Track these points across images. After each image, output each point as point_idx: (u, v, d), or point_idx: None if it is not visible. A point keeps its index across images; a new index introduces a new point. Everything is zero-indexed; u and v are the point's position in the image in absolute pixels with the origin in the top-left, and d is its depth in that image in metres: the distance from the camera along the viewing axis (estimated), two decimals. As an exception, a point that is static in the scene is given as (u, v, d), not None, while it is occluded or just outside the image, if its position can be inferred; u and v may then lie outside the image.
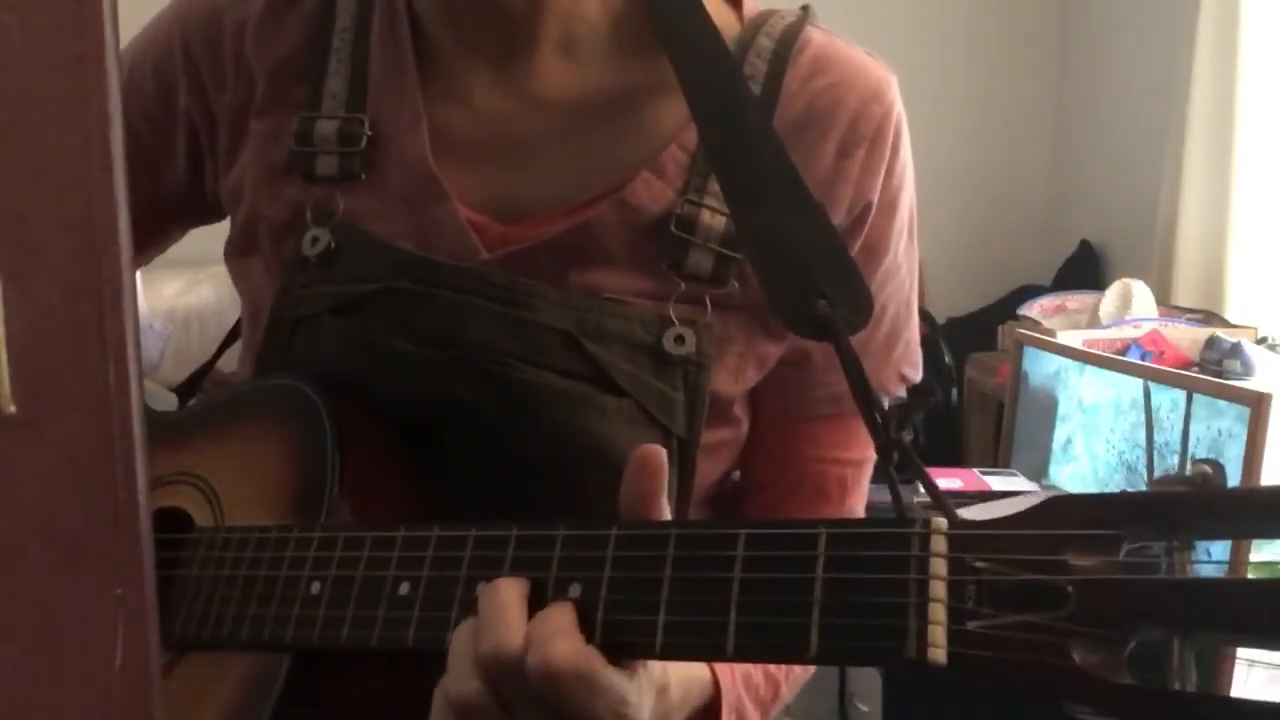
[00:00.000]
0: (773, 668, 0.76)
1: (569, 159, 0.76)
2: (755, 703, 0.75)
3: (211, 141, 0.82)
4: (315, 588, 0.63)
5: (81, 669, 0.32)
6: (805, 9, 0.80)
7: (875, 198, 0.76)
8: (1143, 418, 1.89)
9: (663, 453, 0.59)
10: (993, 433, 2.86)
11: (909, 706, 1.92)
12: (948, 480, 2.14)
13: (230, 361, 0.94)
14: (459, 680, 0.56)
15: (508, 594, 0.56)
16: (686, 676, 0.65)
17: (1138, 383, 1.92)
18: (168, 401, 0.91)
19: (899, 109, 0.77)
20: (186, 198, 0.86)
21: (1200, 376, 2.01)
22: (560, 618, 0.55)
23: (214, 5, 0.81)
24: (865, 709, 2.20)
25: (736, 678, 0.72)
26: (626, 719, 0.55)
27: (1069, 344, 2.28)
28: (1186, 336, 2.44)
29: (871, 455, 0.83)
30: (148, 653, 0.32)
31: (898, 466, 0.63)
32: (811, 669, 0.84)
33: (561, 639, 0.54)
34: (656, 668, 0.60)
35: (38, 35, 0.31)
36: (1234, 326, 2.57)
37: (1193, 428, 1.76)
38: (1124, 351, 2.38)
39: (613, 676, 0.54)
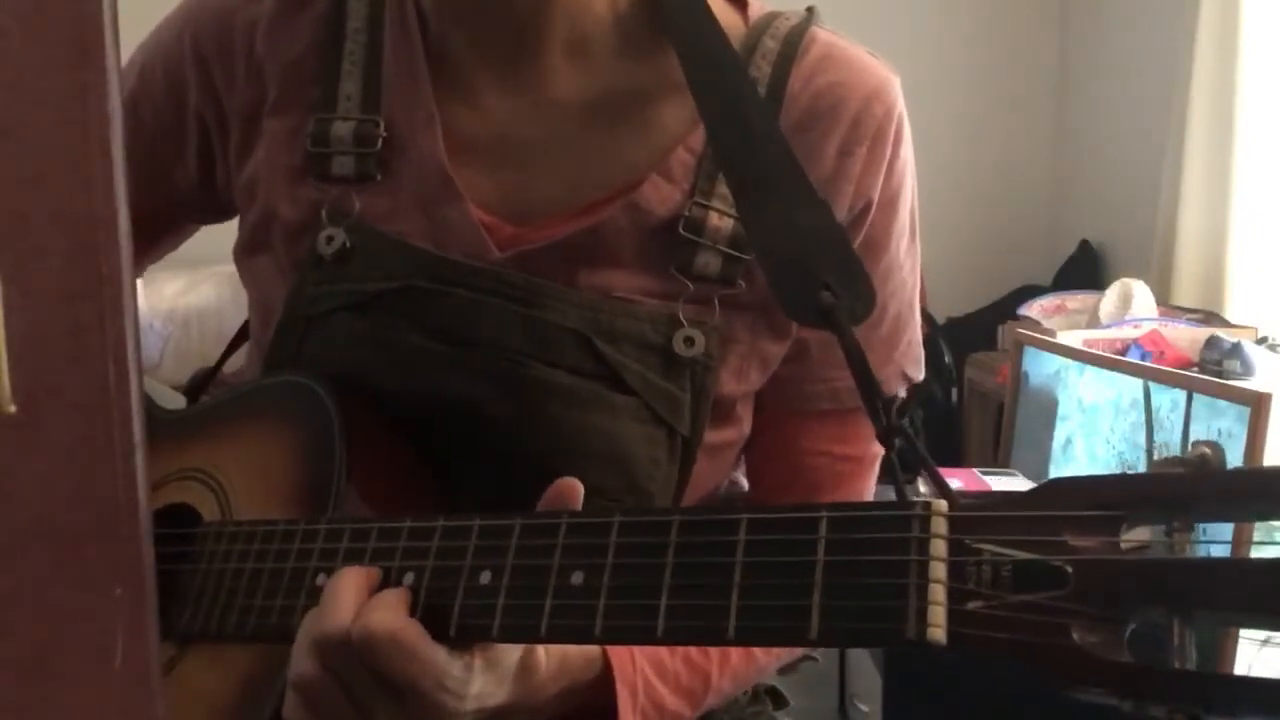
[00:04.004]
0: (698, 656, 0.76)
1: (578, 160, 0.77)
2: (676, 691, 0.74)
3: (223, 140, 0.82)
4: (321, 579, 0.63)
5: (81, 669, 0.32)
6: (810, 10, 0.80)
7: (876, 196, 0.77)
8: (1143, 418, 1.88)
9: (579, 490, 0.61)
10: (993, 433, 2.86)
11: (909, 707, 1.92)
12: (948, 481, 2.13)
13: (233, 363, 0.94)
14: (298, 661, 0.60)
15: (344, 580, 0.60)
16: (562, 649, 0.66)
17: (1138, 383, 1.91)
18: (177, 402, 0.91)
19: (901, 108, 0.78)
20: (198, 196, 0.86)
21: (1200, 376, 2.00)
22: (388, 596, 0.59)
23: (224, 5, 0.81)
24: (865, 709, 2.20)
25: (641, 658, 0.72)
26: (449, 691, 0.58)
27: (1069, 344, 2.27)
28: (1186, 336, 2.43)
29: (872, 452, 0.83)
30: (148, 653, 0.32)
31: (899, 454, 0.63)
32: (765, 666, 0.84)
33: (381, 610, 0.57)
34: (513, 651, 0.62)
35: (38, 36, 0.31)
36: (1234, 326, 2.57)
37: (1193, 428, 1.76)
38: (1124, 351, 2.37)
39: (433, 651, 0.57)
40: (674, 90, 0.75)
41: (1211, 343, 2.31)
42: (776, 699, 0.92)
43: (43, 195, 0.31)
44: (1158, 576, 0.45)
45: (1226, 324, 2.62)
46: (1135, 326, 2.52)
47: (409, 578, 0.60)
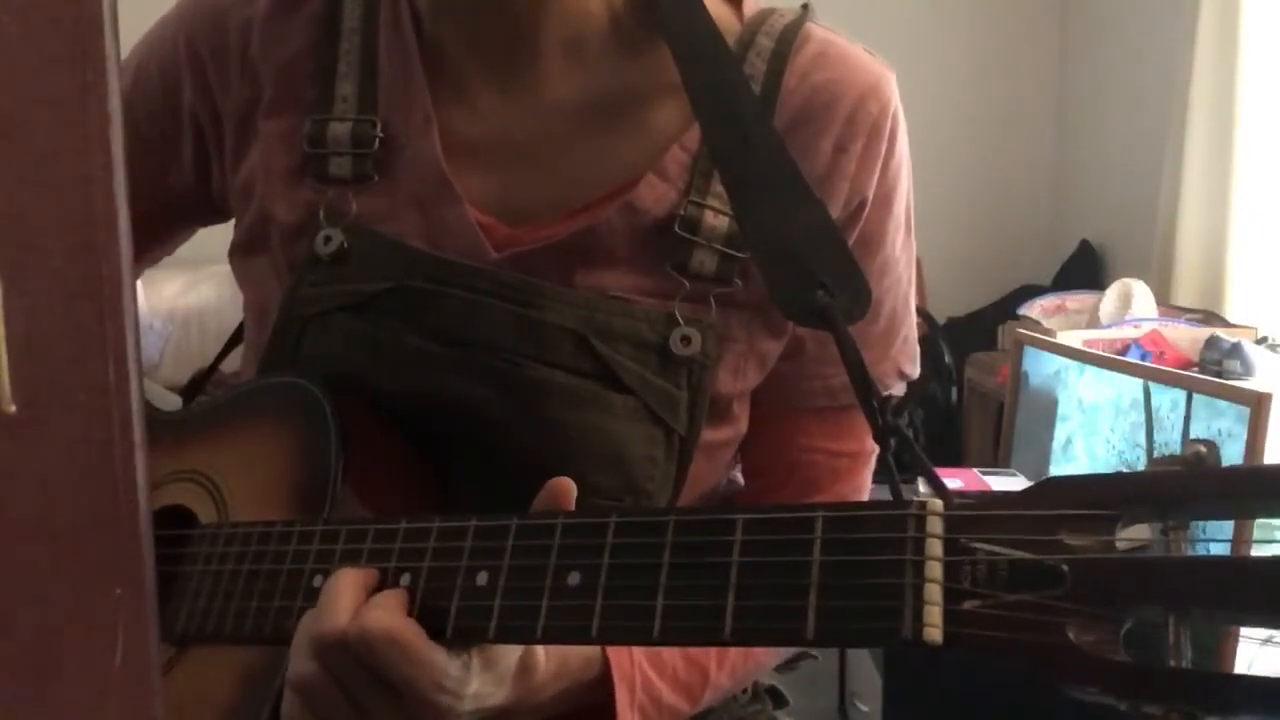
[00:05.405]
0: (696, 652, 0.76)
1: (573, 161, 0.77)
2: (674, 686, 0.74)
3: (218, 141, 0.82)
4: (318, 580, 0.63)
5: (81, 669, 0.32)
6: (805, 7, 0.80)
7: (871, 193, 0.77)
8: (1143, 418, 1.89)
9: (572, 490, 0.61)
10: (993, 433, 2.86)
11: (909, 707, 1.92)
12: (948, 481, 2.13)
13: (231, 362, 0.94)
14: (296, 662, 0.60)
15: (341, 581, 0.60)
16: (562, 650, 0.66)
17: (1138, 383, 1.91)
18: (172, 403, 0.91)
19: (896, 105, 0.78)
20: (194, 198, 0.86)
21: (1200, 376, 2.00)
22: (387, 597, 0.59)
23: (218, 5, 0.81)
24: (865, 709, 2.20)
25: (639, 655, 0.72)
26: (447, 691, 0.59)
27: (1069, 344, 2.27)
28: (1186, 336, 2.43)
29: (867, 449, 0.83)
30: (148, 652, 0.32)
31: (895, 453, 0.64)
32: (764, 662, 0.84)
33: (378, 611, 0.58)
34: (512, 651, 0.62)
35: (38, 35, 0.31)
36: (1234, 326, 2.57)
37: (1193, 428, 1.76)
38: (1124, 351, 2.37)
39: (431, 652, 0.58)
40: (669, 89, 0.75)
41: (1211, 343, 2.31)
42: (776, 698, 0.92)
43: (43, 195, 0.31)
44: (1154, 575, 0.45)
45: (1226, 324, 2.62)
46: (1135, 326, 2.52)
47: (405, 578, 0.60)
